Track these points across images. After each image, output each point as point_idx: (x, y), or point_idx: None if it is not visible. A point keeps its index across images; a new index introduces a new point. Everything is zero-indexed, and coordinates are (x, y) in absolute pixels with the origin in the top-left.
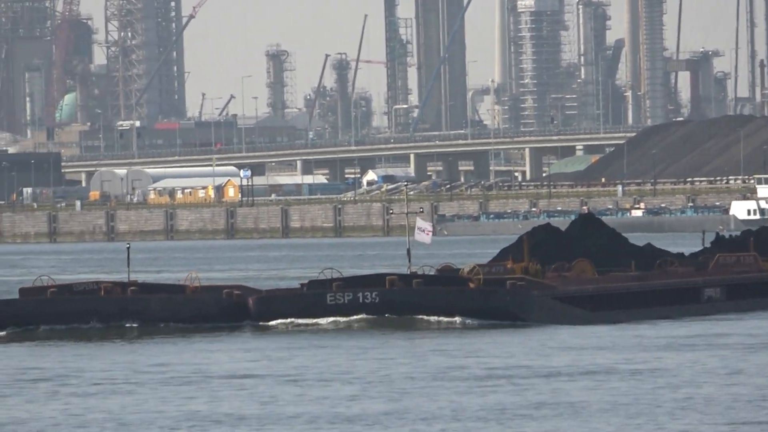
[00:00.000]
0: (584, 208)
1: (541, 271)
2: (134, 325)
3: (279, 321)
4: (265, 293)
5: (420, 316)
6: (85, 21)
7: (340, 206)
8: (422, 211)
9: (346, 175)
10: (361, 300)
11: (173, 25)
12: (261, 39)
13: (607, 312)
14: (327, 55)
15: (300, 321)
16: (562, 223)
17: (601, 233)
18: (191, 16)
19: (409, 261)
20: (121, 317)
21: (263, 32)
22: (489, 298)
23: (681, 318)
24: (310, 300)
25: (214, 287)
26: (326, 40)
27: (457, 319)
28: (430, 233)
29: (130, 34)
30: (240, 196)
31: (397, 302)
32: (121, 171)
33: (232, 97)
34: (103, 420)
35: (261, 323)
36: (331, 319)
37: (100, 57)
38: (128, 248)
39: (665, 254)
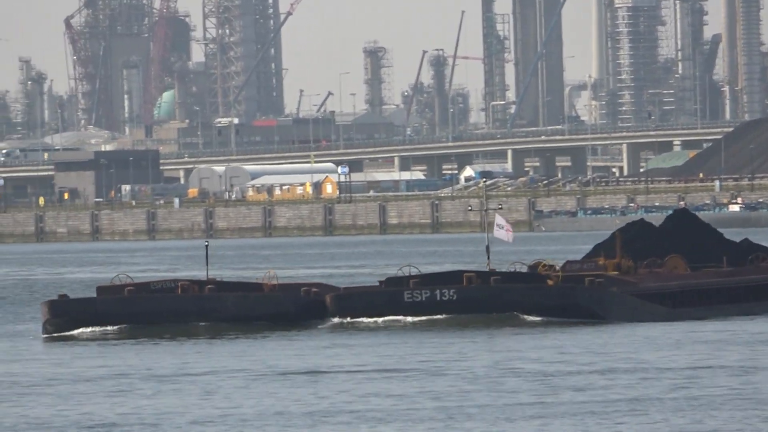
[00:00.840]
0: (681, 203)
1: (633, 268)
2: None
3: (361, 318)
4: (343, 291)
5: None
6: (182, 18)
7: (437, 202)
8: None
9: (444, 171)
10: (438, 297)
11: (271, 21)
12: (358, 35)
13: (689, 309)
14: (424, 52)
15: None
16: (659, 218)
17: (695, 229)
18: (289, 13)
19: (488, 258)
20: (197, 316)
21: (361, 29)
22: (567, 296)
23: (761, 314)
24: (387, 297)
25: (292, 285)
26: (424, 37)
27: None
28: (510, 231)
29: (227, 31)
30: (338, 192)
31: (474, 300)
32: (220, 168)
33: (329, 93)
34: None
35: (338, 321)
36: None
37: (198, 54)
38: (206, 246)
39: (763, 249)
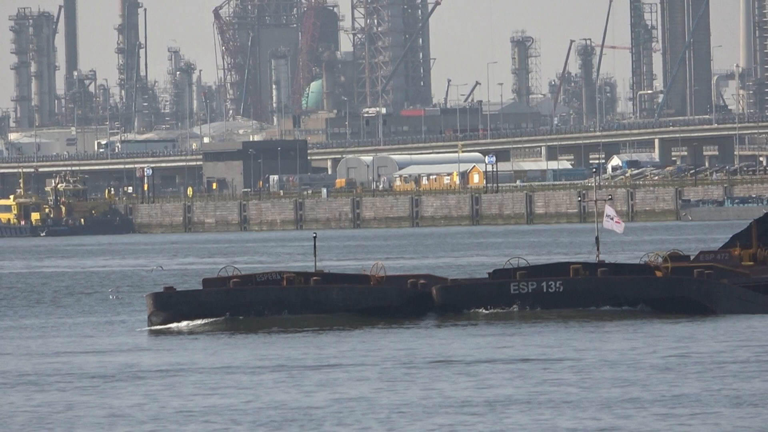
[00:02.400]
0: None
1: None
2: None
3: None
4: (450, 282)
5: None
6: (331, 8)
7: (584, 192)
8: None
9: (591, 161)
10: (545, 289)
11: (419, 11)
12: (506, 25)
13: None
14: (572, 41)
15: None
16: None
17: None
18: (437, 3)
19: (598, 249)
20: (303, 307)
21: (508, 18)
22: (675, 288)
23: None
24: (494, 289)
25: (399, 277)
26: (571, 26)
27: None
28: (621, 222)
29: (376, 21)
30: (485, 182)
31: (581, 291)
32: (367, 158)
33: (477, 83)
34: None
35: (445, 313)
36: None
37: (346, 44)
38: (314, 237)
39: None
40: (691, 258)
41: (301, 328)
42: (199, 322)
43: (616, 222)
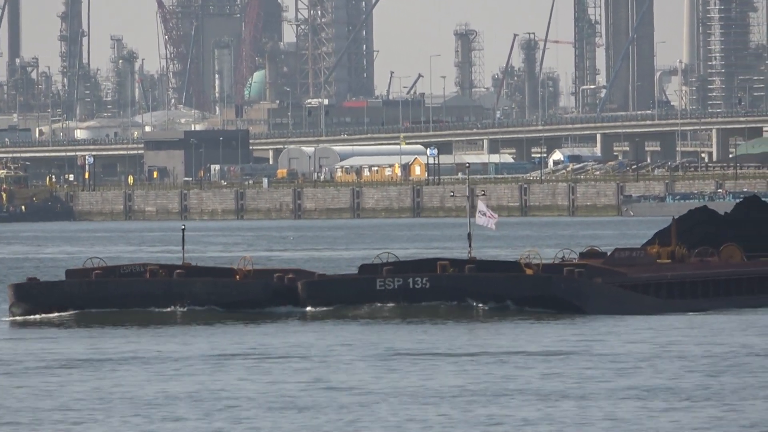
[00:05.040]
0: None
1: (688, 256)
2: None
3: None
4: (317, 277)
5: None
6: None
7: (525, 185)
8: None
9: (533, 155)
10: (411, 285)
11: (363, 3)
12: (450, 18)
13: (685, 300)
14: (515, 35)
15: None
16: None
17: (764, 216)
18: None
19: (470, 245)
20: (166, 301)
21: (452, 11)
22: (543, 286)
23: None
24: (360, 285)
25: (267, 271)
26: (515, 20)
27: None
28: (494, 217)
29: (319, 12)
30: (426, 174)
31: (448, 288)
32: (309, 149)
33: (420, 76)
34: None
35: (309, 309)
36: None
37: (289, 35)
38: (183, 230)
39: None
40: (608, 254)
41: (131, 323)
42: (61, 314)
43: (489, 217)
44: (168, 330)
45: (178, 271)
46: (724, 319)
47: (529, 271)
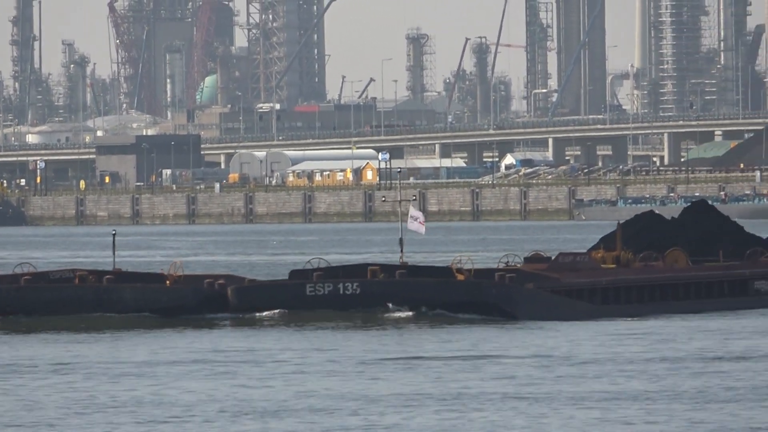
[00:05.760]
0: (722, 193)
1: (633, 260)
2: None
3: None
4: (246, 283)
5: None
6: (226, 3)
7: (477, 190)
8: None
9: (485, 159)
10: (341, 291)
11: (314, 7)
12: (401, 22)
13: (620, 306)
14: (467, 39)
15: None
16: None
17: (712, 221)
18: None
19: (402, 250)
20: (96, 307)
21: (404, 15)
22: (473, 292)
23: (713, 311)
24: (290, 290)
25: (197, 276)
26: (466, 24)
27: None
28: (423, 223)
29: (271, 16)
30: (378, 179)
31: (378, 294)
32: (261, 153)
33: (371, 80)
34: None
35: (240, 315)
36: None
37: (241, 39)
38: (114, 235)
39: None
40: (552, 259)
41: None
42: None
43: (420, 223)
44: (93, 336)
45: (108, 276)
46: (648, 324)
47: (460, 277)
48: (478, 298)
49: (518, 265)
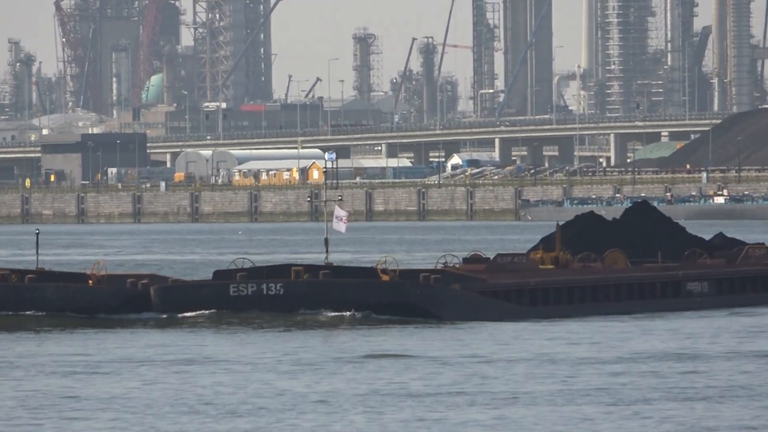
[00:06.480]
0: (668, 194)
1: (572, 261)
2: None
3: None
4: (170, 283)
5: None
6: (172, 2)
7: (424, 190)
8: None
9: (431, 159)
10: (265, 292)
11: (261, 6)
12: (348, 22)
13: (548, 307)
14: (414, 39)
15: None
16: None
17: (654, 222)
18: None
19: (327, 250)
20: (17, 306)
21: (351, 15)
22: (397, 293)
23: (643, 313)
24: (213, 291)
25: (120, 276)
26: (413, 24)
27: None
28: (346, 222)
29: (217, 15)
30: (324, 178)
31: (302, 294)
32: (207, 152)
33: (318, 79)
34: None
35: (164, 315)
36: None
37: (187, 38)
38: (37, 233)
39: (737, 244)
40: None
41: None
42: None
43: (343, 222)
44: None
45: (30, 276)
46: (561, 327)
47: (385, 278)
48: (401, 299)
49: (457, 266)
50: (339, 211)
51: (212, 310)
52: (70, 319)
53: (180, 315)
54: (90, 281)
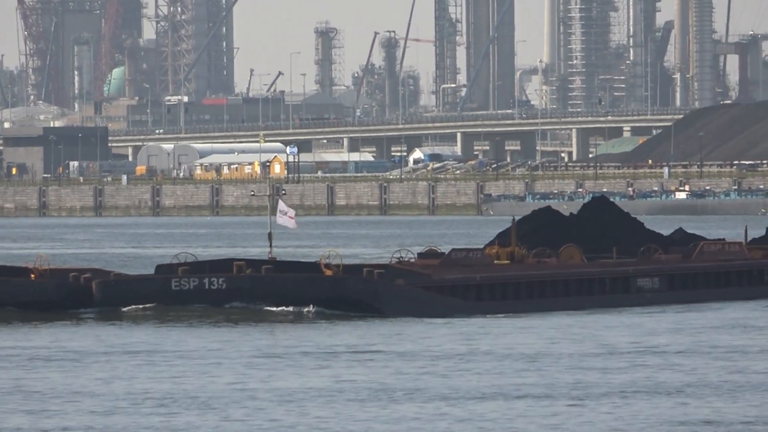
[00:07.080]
0: (630, 189)
1: (527, 256)
2: None
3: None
4: (112, 277)
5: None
6: None
7: (385, 184)
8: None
9: (393, 153)
10: (207, 286)
11: (223, 0)
12: (310, 16)
13: (495, 302)
14: (376, 33)
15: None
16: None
17: (612, 218)
18: None
19: (270, 245)
20: None
21: (312, 9)
22: (340, 288)
23: (592, 308)
24: (155, 285)
25: (62, 270)
26: (375, 18)
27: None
28: (293, 217)
29: (179, 8)
30: (286, 172)
31: (244, 289)
32: (168, 146)
33: (280, 73)
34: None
35: (106, 309)
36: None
37: (149, 31)
38: None
39: (696, 239)
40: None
41: None
42: None
43: (289, 217)
44: None
45: None
46: (499, 323)
47: (328, 272)
48: (342, 294)
49: (412, 260)
50: (282, 206)
51: (153, 304)
52: (11, 313)
53: (123, 309)
54: (32, 275)
